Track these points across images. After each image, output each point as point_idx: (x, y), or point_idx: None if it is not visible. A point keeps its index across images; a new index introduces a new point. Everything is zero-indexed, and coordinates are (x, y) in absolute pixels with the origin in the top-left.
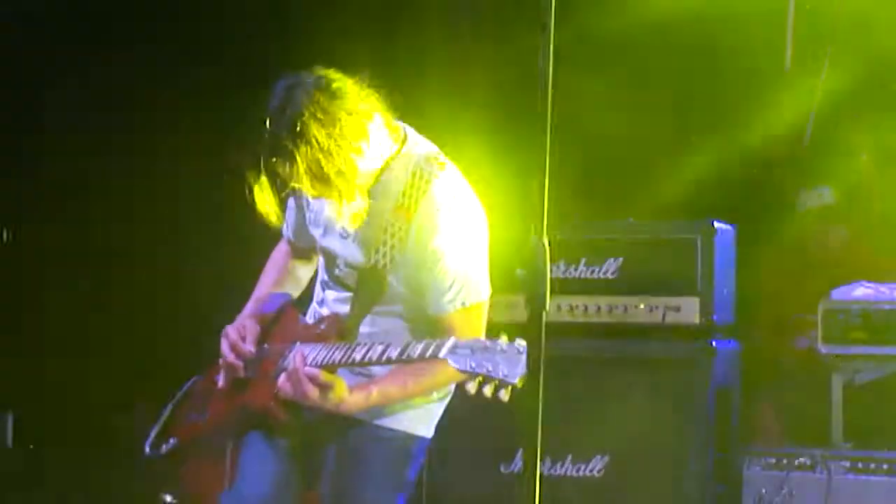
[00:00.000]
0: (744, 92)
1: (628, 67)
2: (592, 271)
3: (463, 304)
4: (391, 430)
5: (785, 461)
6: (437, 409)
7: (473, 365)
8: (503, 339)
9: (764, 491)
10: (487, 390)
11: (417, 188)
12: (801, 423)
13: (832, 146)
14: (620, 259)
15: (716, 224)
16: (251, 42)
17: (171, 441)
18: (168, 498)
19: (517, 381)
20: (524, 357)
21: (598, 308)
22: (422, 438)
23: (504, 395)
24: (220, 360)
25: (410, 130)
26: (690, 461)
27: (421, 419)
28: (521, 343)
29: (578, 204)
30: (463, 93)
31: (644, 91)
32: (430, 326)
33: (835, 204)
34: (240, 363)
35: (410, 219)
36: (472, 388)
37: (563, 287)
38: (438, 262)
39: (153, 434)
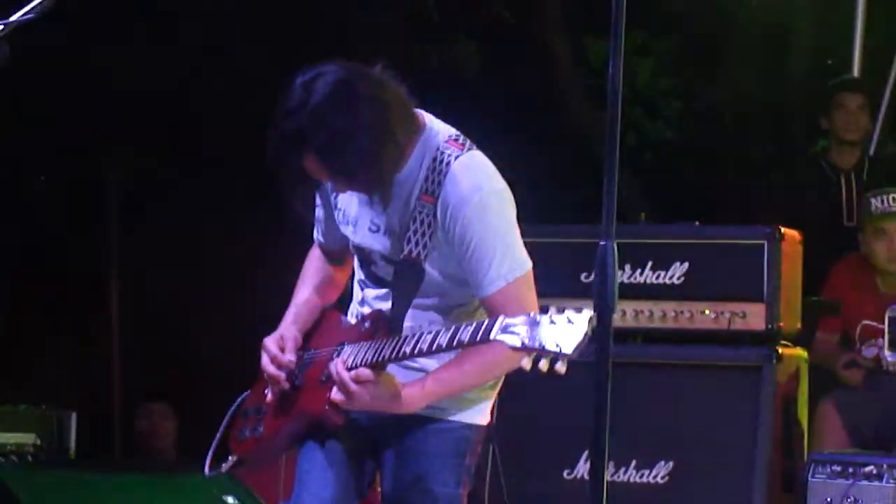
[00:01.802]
0: (809, 97)
1: (689, 70)
2: (658, 276)
3: (506, 280)
4: (447, 421)
5: (851, 469)
6: (491, 396)
7: (526, 341)
8: (552, 312)
9: (829, 499)
10: (543, 365)
11: (439, 171)
12: (867, 432)
13: None
14: (686, 264)
15: (783, 229)
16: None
17: (230, 459)
18: (230, 499)
19: (572, 351)
20: (577, 327)
21: (664, 314)
22: (478, 427)
23: (561, 366)
24: (265, 374)
25: (428, 116)
26: (755, 468)
27: (476, 408)
28: (571, 314)
29: (645, 207)
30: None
31: (706, 96)
32: (475, 311)
33: None
34: (281, 374)
35: (436, 203)
36: (526, 363)
37: (629, 292)
38: (471, 243)
39: (210, 454)
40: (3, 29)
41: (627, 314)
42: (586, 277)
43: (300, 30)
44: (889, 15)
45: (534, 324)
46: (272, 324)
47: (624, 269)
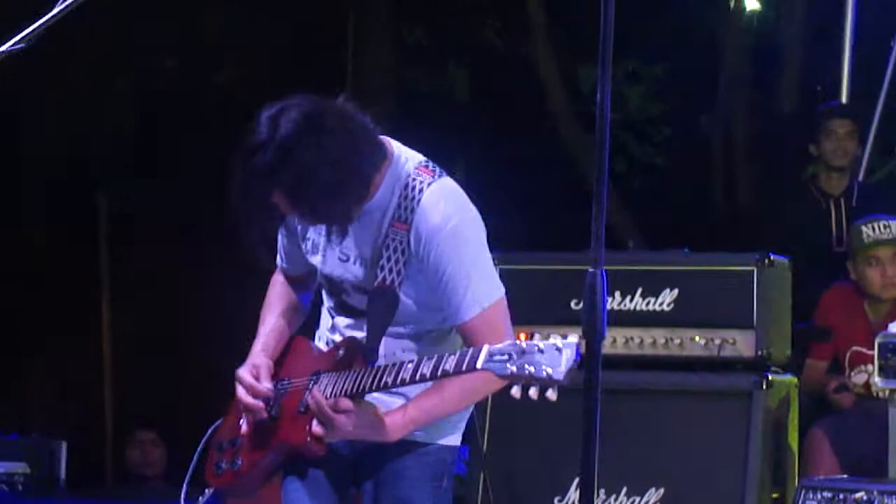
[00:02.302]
0: (799, 124)
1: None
2: (648, 303)
3: (482, 306)
4: (424, 444)
5: (841, 496)
6: (464, 418)
7: (514, 369)
8: (538, 339)
9: None
10: (533, 393)
11: (411, 198)
12: (857, 458)
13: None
14: (676, 291)
15: (772, 256)
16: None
17: (207, 492)
18: None
19: (563, 377)
20: (566, 353)
21: (654, 340)
22: (454, 448)
23: (552, 393)
24: (241, 405)
25: (395, 143)
26: (746, 495)
27: (451, 429)
28: (559, 340)
29: (634, 233)
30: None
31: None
32: (452, 338)
33: None
34: (260, 404)
35: (409, 230)
36: (516, 392)
37: (619, 319)
38: (446, 271)
39: (185, 486)
40: None
41: (617, 341)
42: (576, 304)
43: (291, 55)
44: (877, 41)
45: (521, 352)
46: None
47: (613, 296)
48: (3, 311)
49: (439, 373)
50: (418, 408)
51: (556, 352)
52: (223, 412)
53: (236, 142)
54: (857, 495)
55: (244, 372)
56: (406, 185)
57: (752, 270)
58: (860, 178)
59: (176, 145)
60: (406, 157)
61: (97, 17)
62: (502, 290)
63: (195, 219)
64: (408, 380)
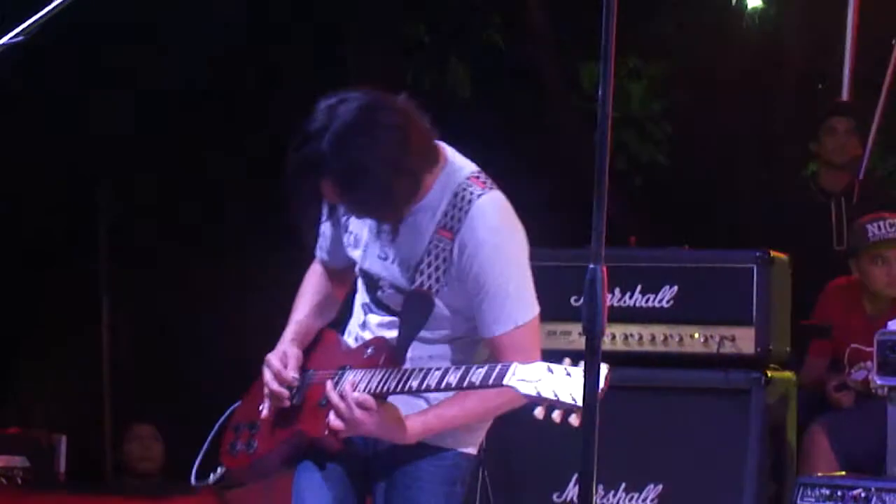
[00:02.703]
0: (799, 122)
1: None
2: (648, 299)
3: (515, 324)
4: (441, 448)
5: (839, 493)
6: (483, 427)
7: (542, 391)
8: (567, 364)
9: None
10: (556, 416)
11: (460, 208)
12: (856, 455)
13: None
14: (676, 287)
15: (772, 253)
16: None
17: (219, 471)
18: None
19: (576, 402)
20: (574, 378)
21: (653, 337)
22: (469, 456)
23: (574, 419)
24: (265, 390)
25: (450, 149)
26: (744, 491)
27: (469, 437)
28: (567, 364)
29: (635, 230)
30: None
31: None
32: (479, 348)
33: None
34: (285, 391)
35: (454, 239)
36: (539, 413)
37: (619, 315)
38: (485, 284)
39: (197, 464)
40: None
41: (617, 337)
42: (576, 301)
43: (293, 53)
44: (878, 40)
45: (549, 373)
46: (261, 348)
47: (613, 293)
48: (2, 309)
49: (465, 384)
50: (438, 416)
51: (567, 377)
52: (222, 407)
53: (236, 141)
54: (855, 492)
55: (273, 357)
56: (456, 194)
57: (752, 267)
58: (861, 175)
59: (177, 143)
60: (461, 165)
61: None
62: (537, 309)
63: (195, 217)
64: (433, 387)
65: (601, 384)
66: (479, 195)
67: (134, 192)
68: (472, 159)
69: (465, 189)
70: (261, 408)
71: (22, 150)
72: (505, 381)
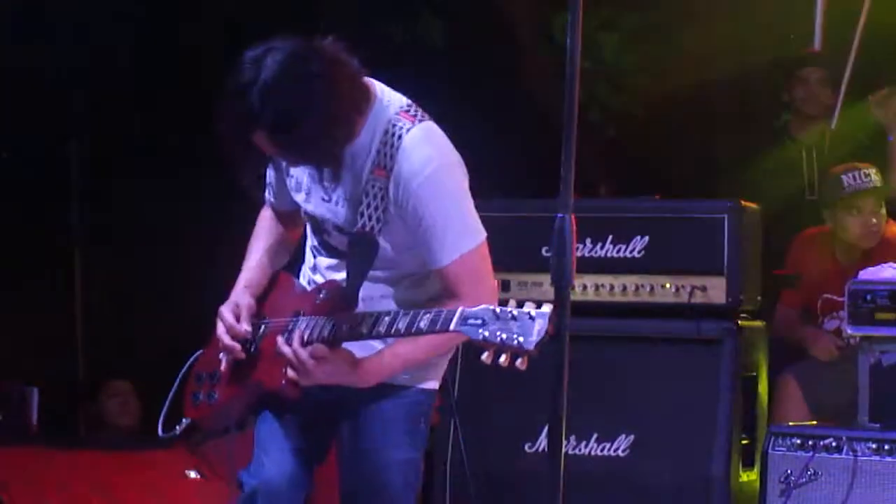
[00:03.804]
0: (771, 72)
1: (655, 45)
2: (619, 250)
3: (460, 252)
4: (401, 387)
5: (810, 442)
6: (443, 361)
7: (486, 334)
8: (512, 306)
9: (789, 471)
10: (504, 360)
11: (391, 144)
12: (827, 404)
13: (860, 127)
14: (647, 238)
15: (743, 203)
16: None
17: (183, 422)
18: (192, 474)
19: (533, 348)
20: (538, 323)
21: (624, 287)
22: (432, 391)
23: (521, 363)
24: (220, 343)
25: (380, 86)
26: (715, 441)
27: (428, 372)
28: (532, 309)
29: (609, 182)
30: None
31: (670, 70)
32: (431, 282)
33: (881, 187)
34: (237, 345)
35: (388, 176)
36: (487, 358)
37: (589, 266)
38: (424, 216)
39: (162, 415)
40: None
41: (588, 288)
42: (547, 251)
43: (262, 5)
44: None
45: (495, 317)
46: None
47: (584, 243)
48: None
49: (413, 329)
50: (393, 354)
51: (529, 320)
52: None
53: (210, 92)
54: (827, 441)
55: (226, 310)
56: (386, 131)
57: (723, 217)
58: (833, 126)
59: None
60: (389, 101)
61: None
62: (482, 235)
63: (169, 166)
64: (382, 333)
65: (546, 326)
66: (409, 129)
67: (108, 142)
68: (446, 112)
69: (394, 125)
70: (220, 357)
71: None
72: (452, 327)
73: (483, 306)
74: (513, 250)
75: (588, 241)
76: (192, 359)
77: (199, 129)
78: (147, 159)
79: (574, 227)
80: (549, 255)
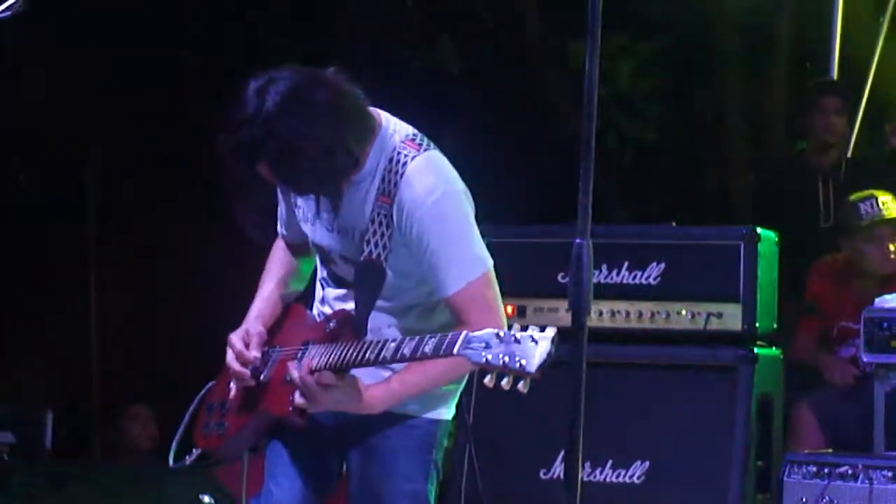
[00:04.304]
0: (789, 100)
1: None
2: (635, 276)
3: (467, 280)
4: (412, 417)
5: (826, 470)
6: (456, 390)
7: (489, 358)
8: (516, 329)
9: (804, 499)
10: (506, 383)
11: (395, 172)
12: (843, 432)
13: (877, 155)
14: (663, 264)
15: (759, 230)
16: None
17: (194, 452)
18: (206, 499)
19: (535, 371)
20: (541, 346)
21: (640, 314)
22: (444, 421)
23: (523, 387)
24: (229, 371)
25: (385, 115)
26: (731, 469)
27: (441, 402)
28: (535, 332)
29: (624, 208)
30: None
31: (686, 98)
32: (439, 313)
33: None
34: (246, 372)
35: (392, 204)
36: (489, 381)
37: (606, 292)
38: (429, 245)
39: (174, 446)
40: None
41: (604, 314)
42: (563, 277)
43: (283, 29)
44: (867, 19)
45: (498, 341)
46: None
47: (601, 269)
48: None
49: (418, 354)
50: (400, 381)
51: (532, 343)
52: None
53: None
54: (842, 469)
55: (236, 338)
56: (391, 159)
57: (739, 244)
58: (848, 154)
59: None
60: (394, 129)
61: None
62: (489, 263)
63: (184, 192)
64: (388, 358)
65: (549, 349)
66: (413, 157)
67: (123, 163)
68: (461, 138)
69: (399, 153)
70: (230, 386)
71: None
72: (455, 350)
73: (487, 330)
74: (529, 276)
75: (604, 267)
76: (203, 390)
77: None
78: (163, 183)
79: (590, 253)
80: (565, 280)
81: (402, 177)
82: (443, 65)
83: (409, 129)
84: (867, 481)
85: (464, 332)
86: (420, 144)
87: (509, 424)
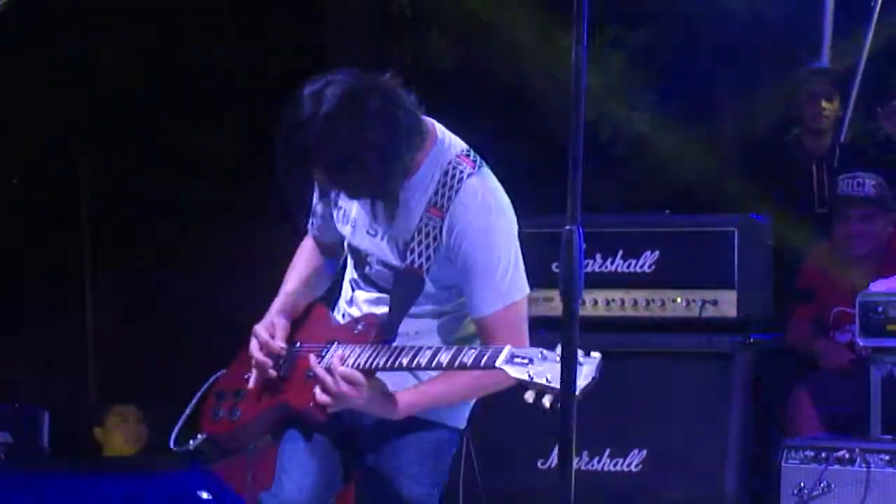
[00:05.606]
0: (779, 85)
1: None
2: (629, 265)
3: (504, 304)
4: (427, 422)
5: (823, 454)
6: (471, 400)
7: (532, 374)
8: (560, 350)
9: (802, 484)
10: (546, 401)
11: (450, 187)
12: (839, 417)
13: (869, 136)
14: (657, 252)
15: (753, 217)
16: None
17: (199, 437)
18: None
19: (578, 392)
20: (585, 369)
21: (635, 302)
22: (457, 430)
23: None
24: (252, 360)
25: (439, 126)
26: (728, 455)
27: (456, 411)
28: (580, 355)
29: (618, 198)
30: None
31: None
32: (465, 323)
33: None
34: (269, 361)
35: (444, 217)
36: (529, 397)
37: (600, 281)
38: (475, 264)
39: (177, 429)
40: None
41: (599, 303)
42: (556, 267)
43: (273, 26)
44: (858, 4)
45: (542, 359)
46: (247, 327)
47: (595, 258)
48: None
49: (456, 364)
50: (427, 392)
51: (578, 365)
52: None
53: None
54: (839, 454)
55: (261, 328)
56: (446, 172)
57: (733, 231)
58: (842, 139)
59: (155, 120)
60: (450, 143)
61: None
62: (526, 290)
63: (179, 193)
64: (423, 365)
65: (594, 374)
66: (470, 174)
67: (116, 166)
68: (455, 132)
69: (454, 167)
70: (247, 377)
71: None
72: (497, 363)
73: (531, 347)
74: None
75: (598, 256)
76: (212, 378)
77: (218, 155)
78: (158, 182)
79: (582, 240)
80: (558, 270)
81: (457, 193)
82: (435, 59)
83: (462, 144)
84: (864, 465)
85: (508, 346)
86: (474, 161)
87: (506, 415)
